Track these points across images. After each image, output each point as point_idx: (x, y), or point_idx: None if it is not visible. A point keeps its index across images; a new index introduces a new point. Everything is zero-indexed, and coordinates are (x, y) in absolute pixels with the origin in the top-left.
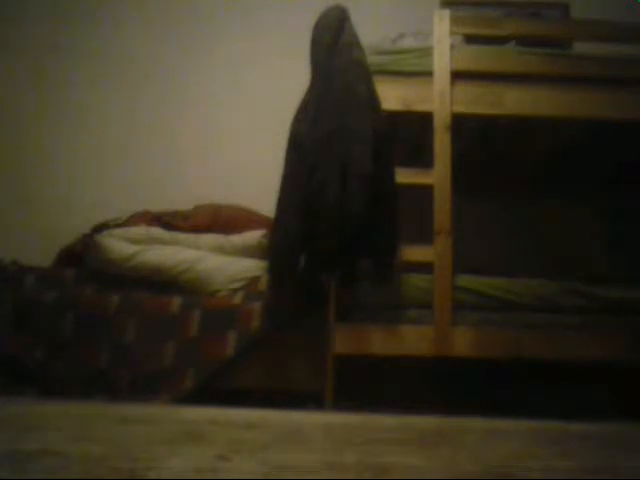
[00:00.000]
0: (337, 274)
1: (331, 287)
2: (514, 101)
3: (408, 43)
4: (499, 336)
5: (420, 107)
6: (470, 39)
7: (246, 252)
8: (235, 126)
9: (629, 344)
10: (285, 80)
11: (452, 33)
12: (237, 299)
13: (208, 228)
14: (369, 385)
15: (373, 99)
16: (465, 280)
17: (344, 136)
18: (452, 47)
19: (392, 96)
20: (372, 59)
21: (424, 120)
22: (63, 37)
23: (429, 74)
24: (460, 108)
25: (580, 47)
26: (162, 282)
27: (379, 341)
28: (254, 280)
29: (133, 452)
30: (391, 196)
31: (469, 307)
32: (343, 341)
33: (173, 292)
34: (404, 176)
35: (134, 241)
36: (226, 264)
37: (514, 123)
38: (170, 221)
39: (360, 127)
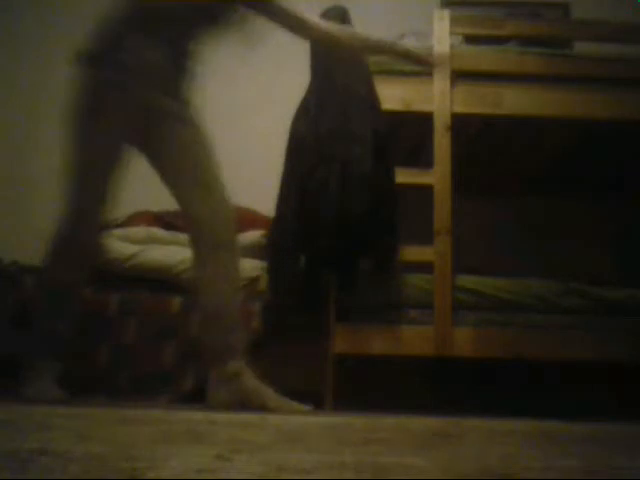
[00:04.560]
0: (337, 274)
1: (331, 287)
2: (514, 101)
3: (408, 43)
4: (499, 336)
5: (420, 107)
6: (470, 39)
7: (246, 252)
8: (235, 126)
9: (629, 344)
10: (285, 80)
11: (452, 33)
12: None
13: None
14: (369, 385)
15: (373, 99)
16: (465, 280)
17: (344, 136)
18: (452, 47)
19: (392, 96)
20: (372, 59)
21: (424, 120)
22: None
23: (429, 74)
24: (460, 108)
25: (580, 47)
26: (162, 282)
27: (379, 341)
28: (254, 280)
29: (133, 452)
30: (391, 196)
31: (469, 307)
32: (343, 341)
33: (173, 292)
34: (404, 176)
35: (134, 241)
36: None
37: (514, 123)
38: (170, 221)
39: (360, 127)
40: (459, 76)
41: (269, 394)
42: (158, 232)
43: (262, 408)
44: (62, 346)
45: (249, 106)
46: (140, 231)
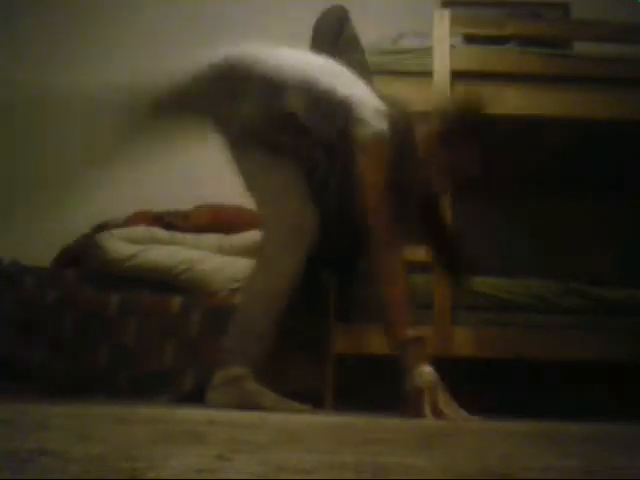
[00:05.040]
0: (337, 274)
1: (331, 287)
2: (514, 101)
3: (408, 43)
4: (499, 336)
5: (420, 107)
6: (470, 39)
7: (246, 252)
8: None
9: (629, 344)
10: None
11: (452, 33)
12: (237, 299)
13: (208, 228)
14: (369, 385)
15: None
16: None
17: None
18: (452, 47)
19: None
20: (372, 59)
21: (424, 120)
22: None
23: (429, 74)
24: None
25: (580, 47)
26: (162, 282)
27: (379, 341)
28: None
29: (133, 452)
30: None
31: (469, 307)
32: (343, 341)
33: (173, 292)
34: None
35: (134, 241)
36: (226, 264)
37: (514, 123)
38: (170, 221)
39: None
40: (459, 76)
41: (269, 395)
42: (158, 232)
43: (261, 409)
44: None
45: None
46: (140, 231)
